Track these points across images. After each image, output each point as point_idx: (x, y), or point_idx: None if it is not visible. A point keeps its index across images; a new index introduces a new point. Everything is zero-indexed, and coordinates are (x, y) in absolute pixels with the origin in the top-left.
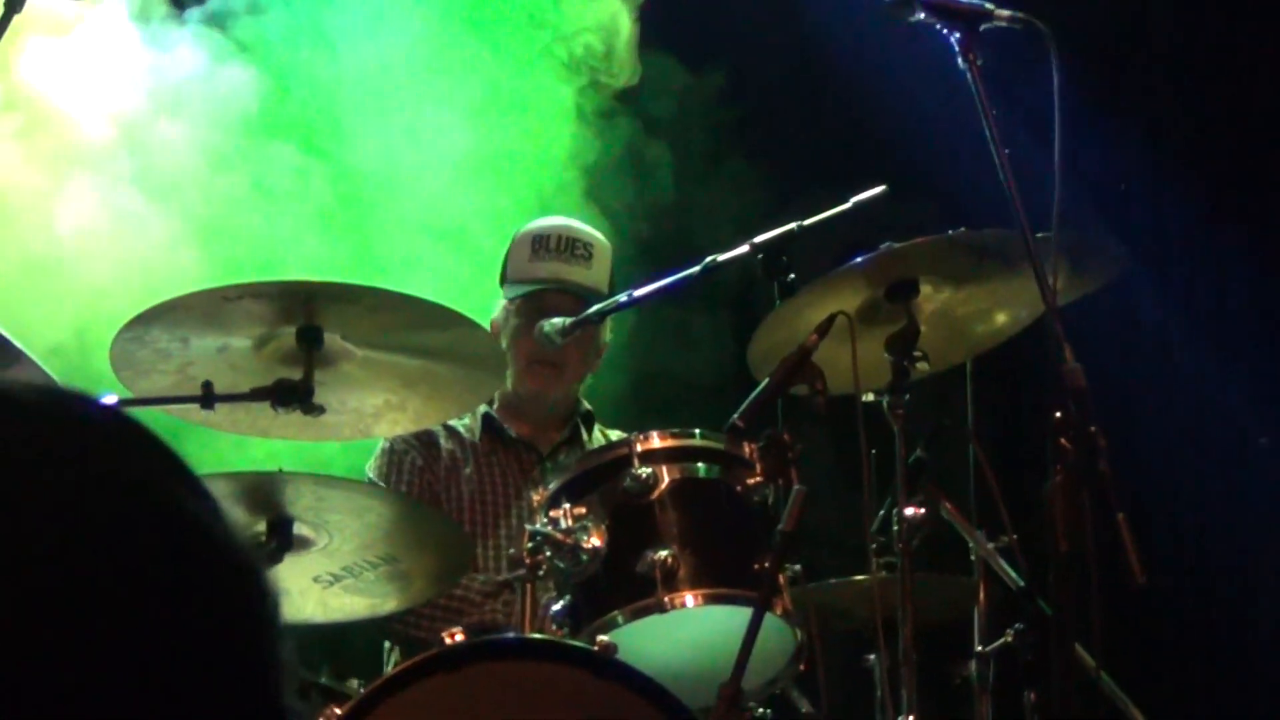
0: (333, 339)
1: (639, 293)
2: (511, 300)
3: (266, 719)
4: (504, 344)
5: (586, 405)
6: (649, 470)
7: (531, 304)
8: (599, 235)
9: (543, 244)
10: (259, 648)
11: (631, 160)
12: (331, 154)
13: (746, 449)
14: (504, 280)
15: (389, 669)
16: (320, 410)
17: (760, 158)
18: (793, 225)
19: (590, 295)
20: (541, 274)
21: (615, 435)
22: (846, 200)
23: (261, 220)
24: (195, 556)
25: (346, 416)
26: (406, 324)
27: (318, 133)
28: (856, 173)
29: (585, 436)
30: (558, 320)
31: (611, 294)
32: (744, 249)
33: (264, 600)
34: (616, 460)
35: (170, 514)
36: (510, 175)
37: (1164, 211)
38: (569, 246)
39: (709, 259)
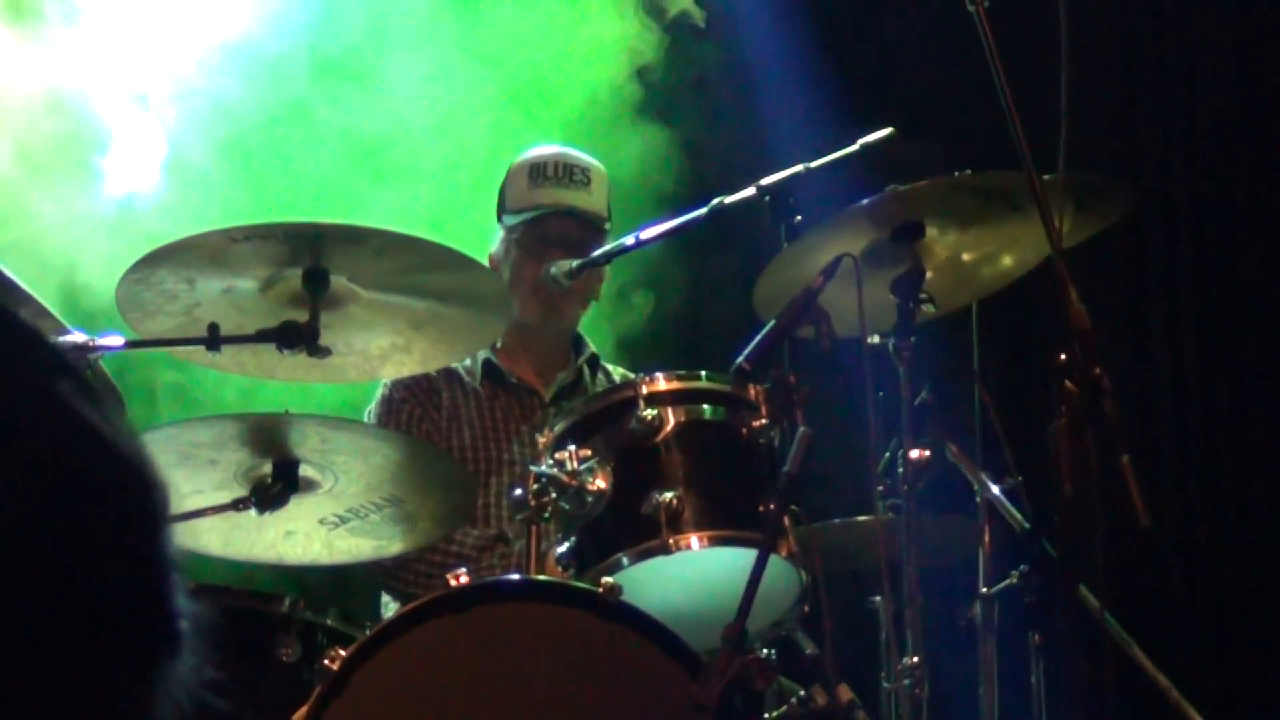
0: (339, 281)
1: (645, 235)
2: (512, 229)
3: (158, 616)
4: (505, 275)
5: (592, 347)
6: (654, 412)
7: (534, 230)
8: (595, 161)
9: (540, 171)
10: (149, 543)
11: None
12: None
13: (752, 391)
14: (502, 212)
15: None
16: (326, 352)
17: (765, 101)
18: (799, 167)
19: (592, 219)
20: (542, 200)
21: (620, 376)
22: (854, 143)
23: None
24: (82, 452)
25: (352, 358)
26: (412, 266)
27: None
28: (864, 114)
29: (589, 379)
30: (564, 263)
31: (610, 218)
32: (751, 191)
33: (153, 495)
34: (622, 402)
35: (55, 409)
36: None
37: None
38: (567, 172)
39: (715, 201)
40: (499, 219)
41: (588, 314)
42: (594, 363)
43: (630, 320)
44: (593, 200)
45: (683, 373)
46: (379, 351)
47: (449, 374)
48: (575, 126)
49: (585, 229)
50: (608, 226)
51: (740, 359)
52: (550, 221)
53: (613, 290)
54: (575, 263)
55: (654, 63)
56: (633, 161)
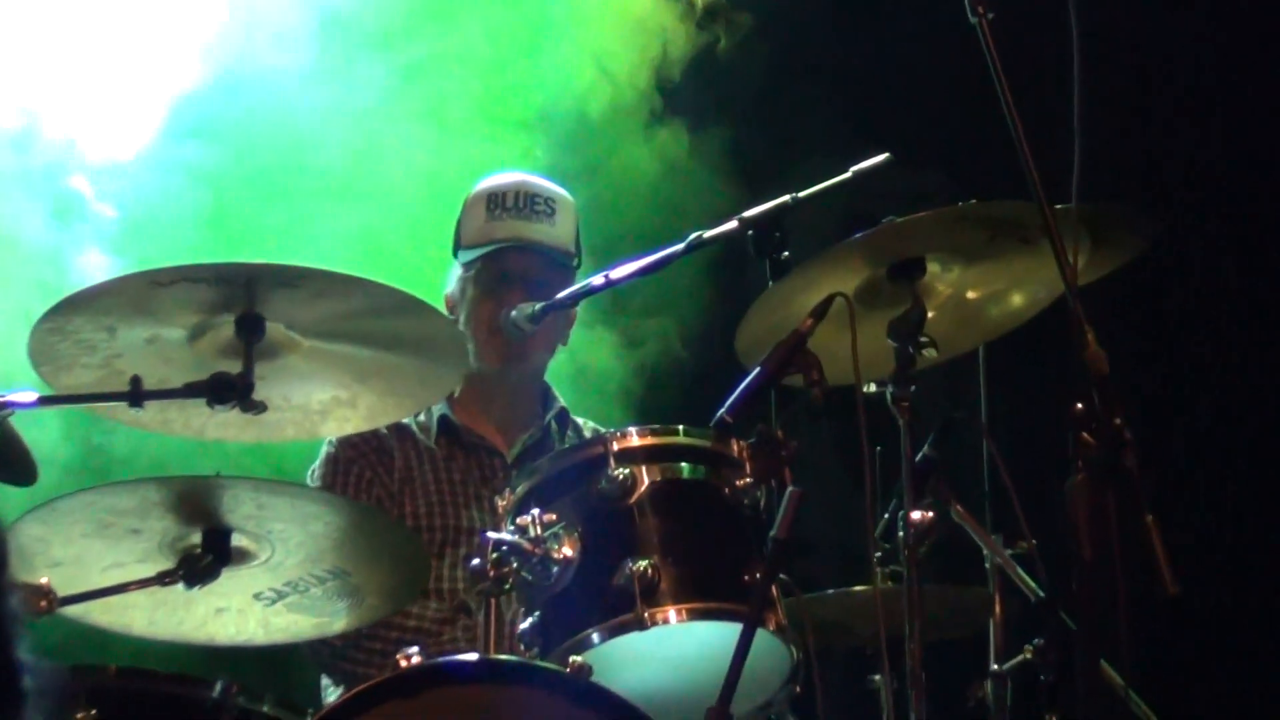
0: (275, 328)
1: (616, 274)
2: (468, 266)
3: None
4: (461, 318)
5: (560, 400)
6: (626, 471)
7: (492, 267)
8: (561, 190)
9: (499, 202)
10: None
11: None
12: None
13: (735, 447)
14: (457, 248)
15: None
16: (261, 408)
17: (751, 125)
18: (787, 198)
19: (557, 255)
20: (500, 234)
21: (592, 431)
22: (846, 170)
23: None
24: None
25: (291, 414)
26: (357, 311)
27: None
28: (857, 140)
29: (557, 436)
30: (526, 307)
31: (578, 253)
32: (733, 224)
33: None
34: (591, 460)
35: None
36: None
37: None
38: (528, 202)
39: (694, 235)
40: (454, 255)
41: (555, 360)
42: (563, 418)
43: (603, 367)
44: (557, 233)
45: (658, 427)
46: (320, 406)
47: (401, 431)
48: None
49: (549, 266)
50: (576, 263)
51: (722, 411)
52: (510, 257)
53: (589, 334)
54: (538, 305)
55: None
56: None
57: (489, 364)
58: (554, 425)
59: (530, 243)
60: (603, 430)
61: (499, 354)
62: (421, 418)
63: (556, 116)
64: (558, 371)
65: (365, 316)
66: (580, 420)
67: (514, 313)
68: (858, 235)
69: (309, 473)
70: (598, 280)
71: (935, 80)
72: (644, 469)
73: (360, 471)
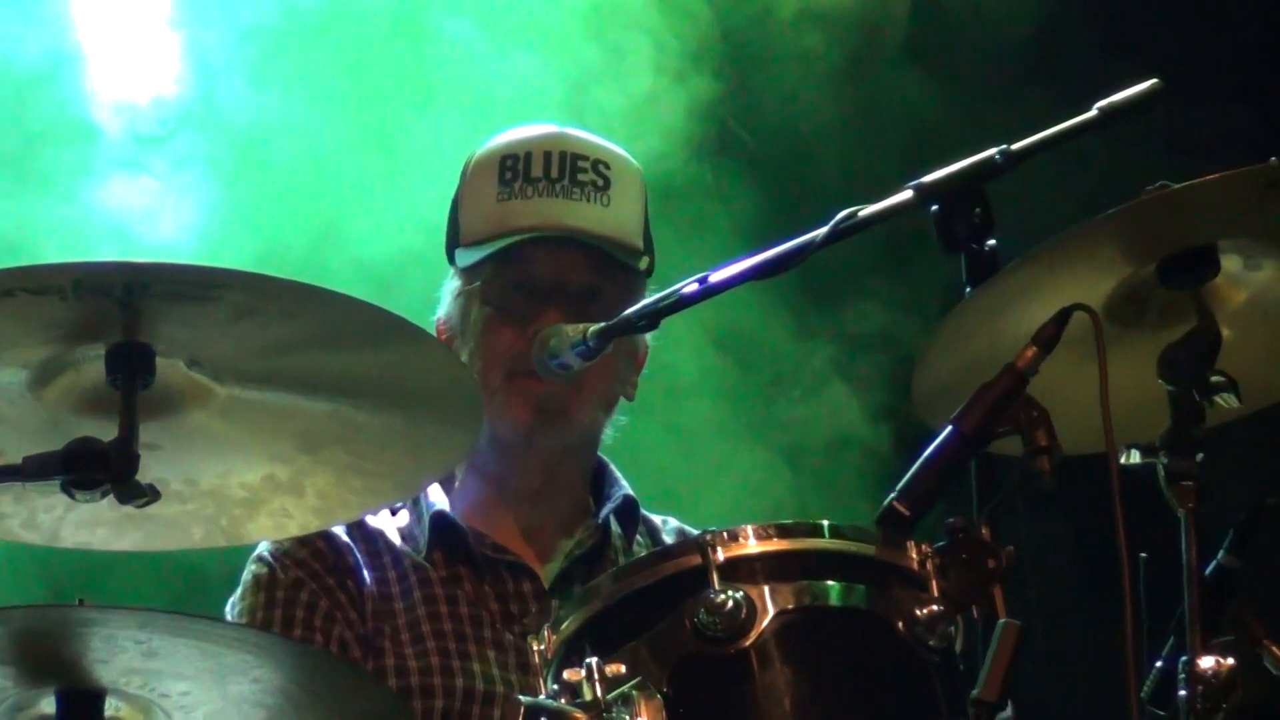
0: (170, 367)
1: (719, 276)
2: (471, 272)
3: None
4: (463, 353)
5: (625, 486)
6: (739, 595)
7: (510, 272)
8: (618, 150)
9: (519, 169)
10: None
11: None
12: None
13: (914, 555)
14: (454, 246)
15: None
16: (149, 496)
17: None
18: (993, 152)
19: (615, 249)
20: (521, 219)
21: (676, 532)
22: (1090, 106)
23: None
24: None
25: (197, 506)
26: (307, 338)
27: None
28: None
29: (620, 543)
30: (569, 331)
31: (648, 249)
32: (905, 195)
33: None
34: (680, 578)
35: None
36: None
37: None
38: (567, 169)
39: (844, 214)
40: (449, 257)
41: (616, 420)
42: (629, 511)
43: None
44: (614, 217)
45: (788, 524)
46: (246, 494)
47: (372, 537)
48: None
49: (602, 268)
50: (646, 264)
51: (891, 497)
52: (538, 256)
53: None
54: (590, 328)
55: None
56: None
57: (509, 428)
58: (615, 525)
59: (572, 231)
60: (695, 531)
61: (525, 411)
62: (403, 518)
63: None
64: (625, 443)
65: (319, 348)
66: (658, 518)
67: (552, 340)
68: (1109, 211)
69: (228, 604)
70: (690, 288)
71: None
72: (766, 591)
73: (311, 600)
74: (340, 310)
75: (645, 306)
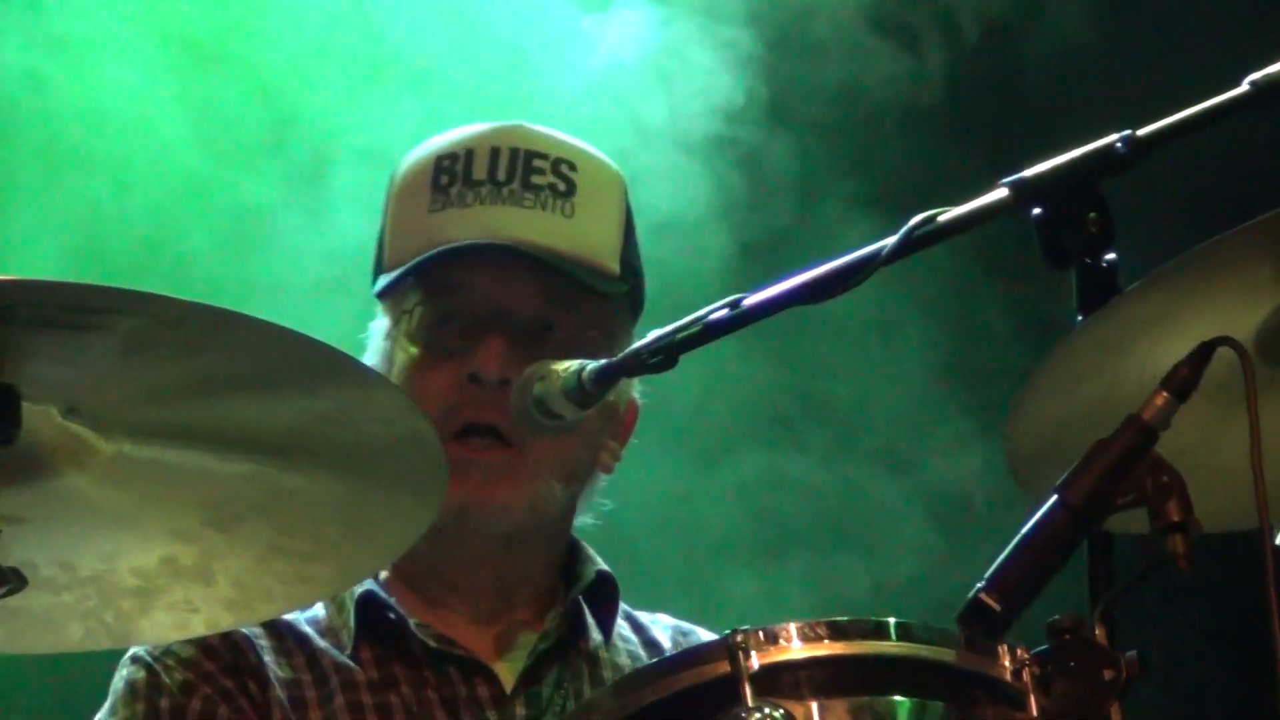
0: (40, 415)
1: (756, 299)
2: (392, 301)
3: None
4: None
5: (599, 561)
6: (778, 715)
7: (438, 302)
8: (592, 150)
9: (457, 170)
10: None
11: None
12: None
13: (1007, 662)
14: (380, 267)
15: None
16: (12, 583)
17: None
18: (1114, 139)
19: (574, 271)
20: (455, 232)
21: (666, 629)
22: (1239, 81)
23: None
24: None
25: (75, 598)
26: (220, 379)
27: None
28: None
29: (597, 640)
30: (560, 369)
31: (631, 273)
32: (999, 193)
33: None
34: (703, 691)
35: None
36: None
37: None
38: (520, 169)
39: (920, 219)
40: (375, 289)
41: (599, 486)
42: (605, 593)
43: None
44: (579, 230)
45: (842, 622)
46: (138, 581)
47: (278, 628)
48: None
49: (559, 294)
50: (627, 288)
51: (979, 587)
52: (474, 278)
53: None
54: (589, 367)
55: None
56: None
57: (458, 497)
58: (587, 612)
59: (519, 244)
60: (705, 633)
61: (454, 484)
62: (320, 610)
63: None
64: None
65: (235, 391)
66: (644, 615)
67: (535, 385)
68: (1262, 217)
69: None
70: (720, 314)
71: None
72: (815, 710)
73: (205, 710)
74: (263, 343)
75: (661, 337)
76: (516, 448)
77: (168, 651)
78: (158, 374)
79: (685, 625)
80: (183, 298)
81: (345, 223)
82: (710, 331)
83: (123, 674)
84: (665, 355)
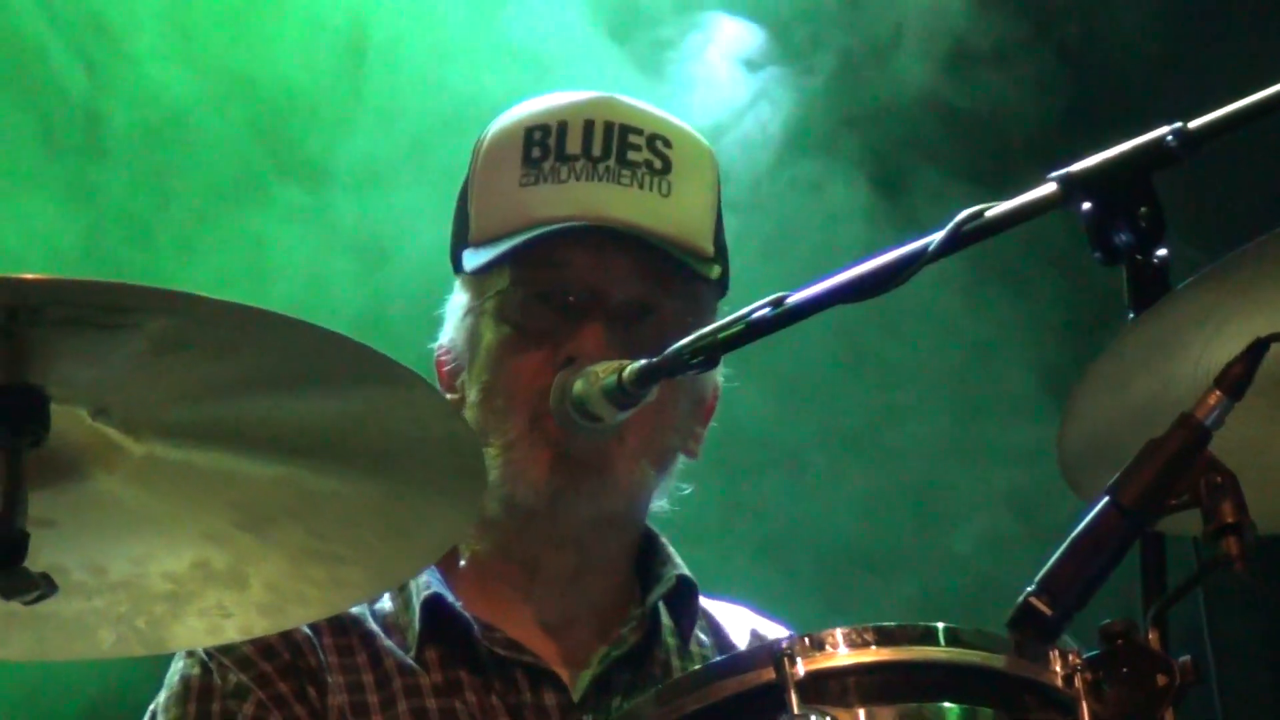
0: (70, 417)
1: (799, 297)
2: (481, 277)
3: None
4: (471, 392)
5: (679, 564)
6: None
7: (530, 279)
8: (684, 125)
9: (549, 143)
10: None
11: None
12: None
13: (1058, 668)
14: (460, 246)
15: None
16: (43, 588)
17: None
18: (1165, 131)
19: (675, 252)
20: (551, 208)
21: (742, 626)
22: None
23: None
24: None
25: (106, 603)
26: (250, 379)
27: None
28: None
29: (673, 644)
30: (600, 370)
31: (720, 254)
32: (1047, 189)
33: None
34: (748, 698)
35: None
36: None
37: None
38: (615, 144)
39: (966, 214)
40: (454, 263)
41: (672, 482)
42: (685, 598)
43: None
44: (678, 210)
45: (890, 627)
46: (170, 585)
47: (342, 625)
48: None
49: (658, 277)
50: (718, 273)
51: (1029, 590)
52: (571, 257)
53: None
54: (629, 367)
55: None
56: None
57: (527, 489)
58: (665, 616)
59: (618, 225)
60: (777, 629)
61: (549, 467)
62: (387, 602)
63: None
64: (679, 514)
65: (267, 392)
66: (724, 607)
67: (574, 385)
68: None
69: (149, 711)
70: (762, 313)
71: None
72: (863, 718)
73: (258, 716)
74: (296, 342)
75: (701, 337)
76: (617, 436)
77: (226, 649)
78: (188, 374)
79: (764, 621)
80: (213, 297)
81: None
82: (753, 331)
83: (178, 667)
84: (707, 355)
